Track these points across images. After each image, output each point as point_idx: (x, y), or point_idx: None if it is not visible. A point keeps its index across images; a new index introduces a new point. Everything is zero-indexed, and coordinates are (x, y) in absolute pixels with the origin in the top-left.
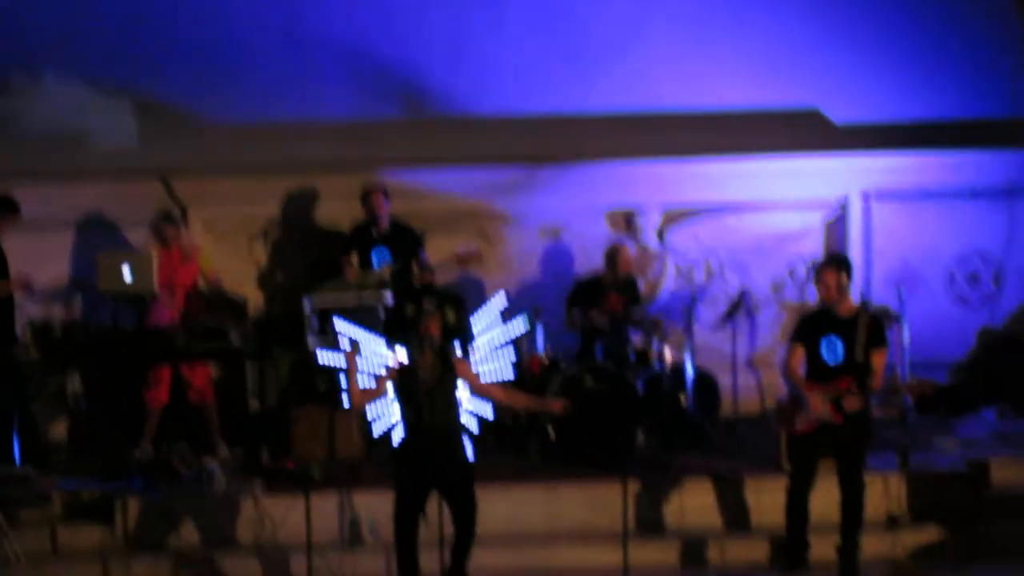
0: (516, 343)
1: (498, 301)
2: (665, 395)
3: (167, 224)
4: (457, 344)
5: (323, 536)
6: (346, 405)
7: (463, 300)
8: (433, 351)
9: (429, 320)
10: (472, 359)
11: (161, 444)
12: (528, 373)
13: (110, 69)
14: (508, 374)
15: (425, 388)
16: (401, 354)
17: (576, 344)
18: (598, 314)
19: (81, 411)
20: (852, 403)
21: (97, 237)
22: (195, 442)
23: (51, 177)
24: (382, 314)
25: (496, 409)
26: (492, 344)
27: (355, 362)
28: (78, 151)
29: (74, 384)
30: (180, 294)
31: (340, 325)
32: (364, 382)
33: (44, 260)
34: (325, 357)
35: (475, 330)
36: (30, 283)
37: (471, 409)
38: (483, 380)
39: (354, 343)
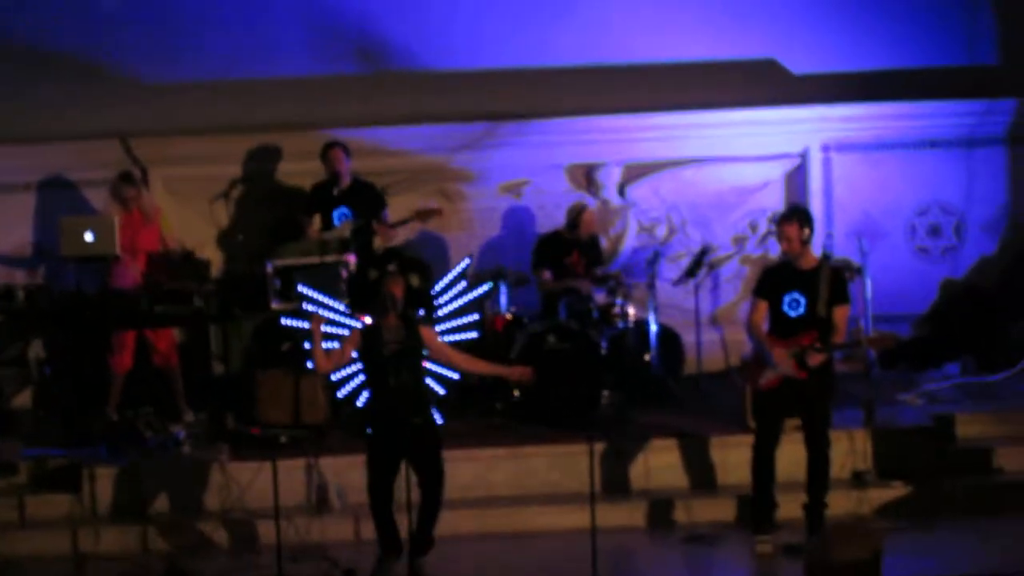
0: (480, 303)
1: (462, 264)
2: (629, 353)
3: (126, 185)
4: (421, 309)
5: (290, 501)
6: (311, 369)
7: (428, 266)
8: (397, 313)
9: (392, 282)
10: (435, 323)
11: (126, 410)
12: (491, 332)
13: (66, 29)
14: (472, 334)
15: (390, 350)
16: (364, 316)
17: (539, 302)
18: (572, 279)
19: (45, 377)
20: (815, 358)
21: (58, 200)
22: (161, 407)
23: (10, 140)
24: (344, 274)
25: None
26: (455, 306)
27: (320, 328)
28: (37, 113)
29: (37, 350)
30: (142, 257)
31: (304, 290)
32: (327, 346)
33: (5, 224)
34: (287, 320)
35: (439, 293)
36: None
37: (436, 371)
38: (446, 344)
39: (316, 304)
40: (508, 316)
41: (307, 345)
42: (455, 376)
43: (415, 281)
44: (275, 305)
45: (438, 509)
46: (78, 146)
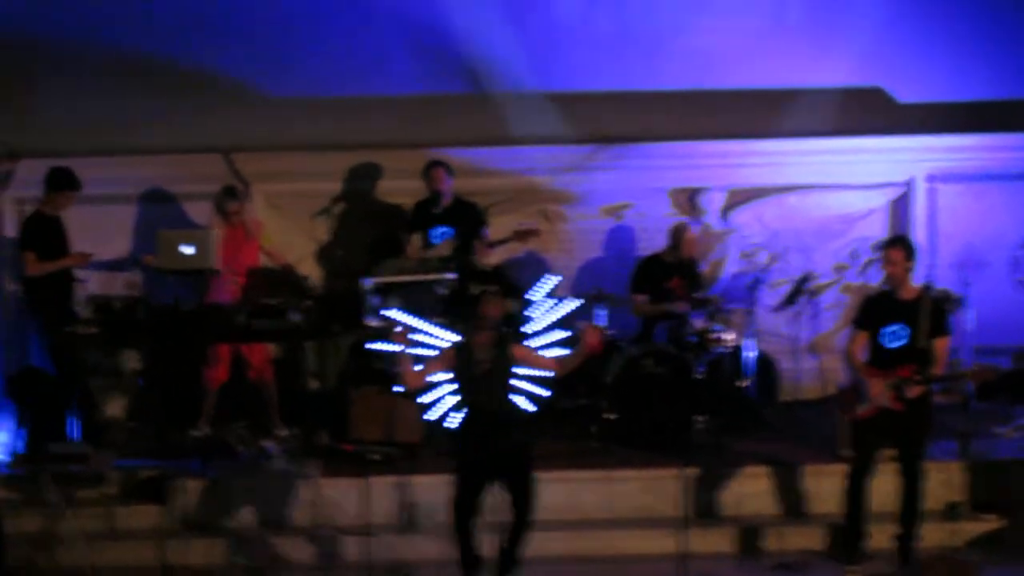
0: (570, 320)
1: (550, 281)
2: (725, 378)
3: (230, 200)
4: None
5: (380, 519)
6: (400, 388)
7: (523, 292)
8: (490, 333)
9: (492, 303)
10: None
11: (219, 424)
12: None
13: (177, 44)
14: (561, 351)
15: (481, 370)
16: (457, 335)
17: (637, 325)
18: (670, 303)
19: (140, 389)
20: (914, 390)
21: (159, 213)
22: (254, 422)
23: (115, 152)
24: (444, 292)
25: (556, 392)
26: (544, 324)
27: (406, 344)
28: (142, 127)
29: (133, 361)
30: (242, 272)
31: (391, 310)
32: (417, 364)
33: (107, 235)
34: (375, 344)
35: (532, 315)
36: (89, 258)
37: (528, 391)
38: (535, 353)
39: (404, 326)
40: (606, 337)
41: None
42: (546, 393)
43: (512, 306)
44: (371, 322)
45: (527, 530)
46: (181, 159)
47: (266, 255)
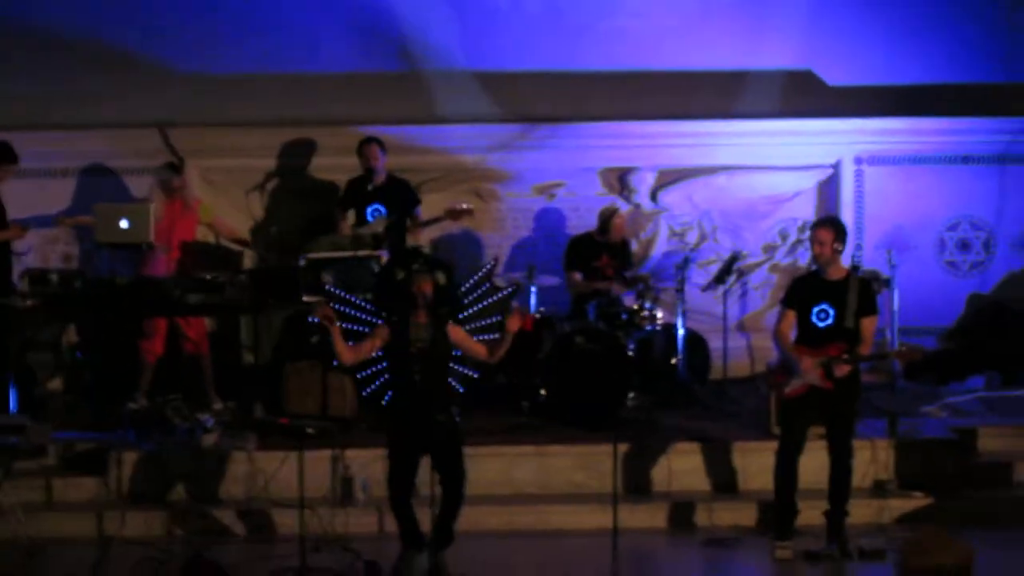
0: (504, 303)
1: (486, 265)
2: (656, 356)
3: (172, 174)
4: (447, 305)
5: (315, 492)
6: (335, 363)
7: (452, 266)
8: (425, 311)
9: (422, 280)
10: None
11: (156, 397)
12: (521, 331)
13: (108, 19)
14: (495, 335)
15: (416, 348)
16: (391, 313)
17: (569, 303)
18: (601, 281)
19: (76, 362)
20: (842, 369)
21: (96, 187)
22: (190, 395)
23: (51, 127)
24: (376, 269)
25: (489, 369)
26: (480, 306)
27: (330, 316)
28: (79, 102)
29: (70, 335)
30: (176, 245)
31: (324, 287)
32: (350, 340)
33: (45, 209)
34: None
35: (465, 293)
36: (26, 230)
37: (458, 370)
38: (471, 338)
39: (326, 297)
40: (537, 315)
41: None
42: (475, 375)
43: (441, 279)
44: (306, 298)
45: (459, 506)
46: (117, 134)
47: (213, 229)
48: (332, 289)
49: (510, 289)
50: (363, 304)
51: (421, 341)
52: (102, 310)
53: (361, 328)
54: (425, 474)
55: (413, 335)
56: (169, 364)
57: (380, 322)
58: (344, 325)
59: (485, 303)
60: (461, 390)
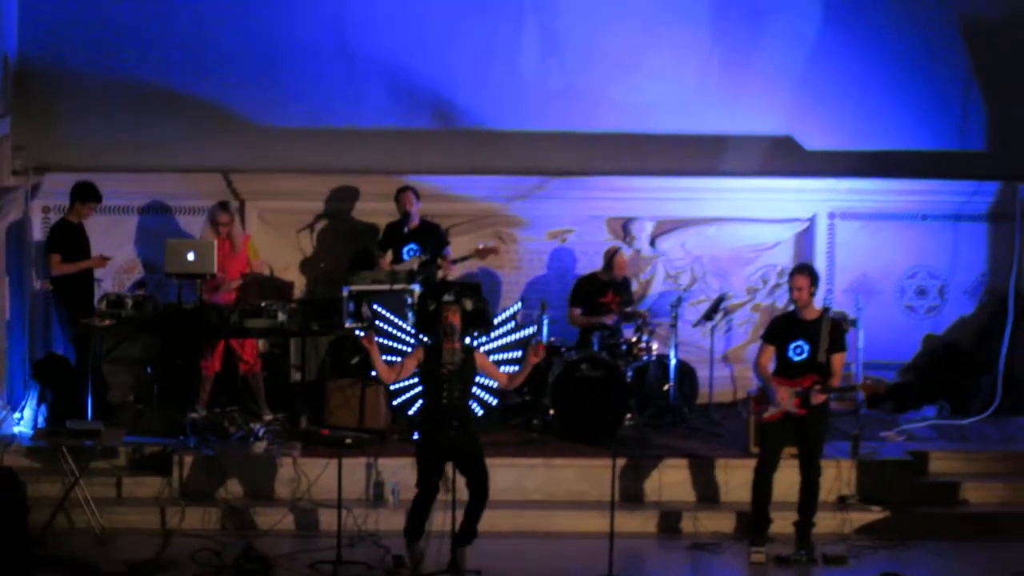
0: (525, 342)
1: (512, 308)
2: (650, 383)
3: (223, 212)
4: (476, 329)
5: (351, 495)
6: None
7: (479, 286)
8: (454, 339)
9: (451, 311)
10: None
11: (214, 408)
12: (532, 351)
13: (185, 78)
14: (514, 368)
15: (446, 370)
16: (426, 338)
17: (576, 334)
18: (605, 316)
19: (146, 375)
20: (817, 398)
21: (162, 224)
22: (244, 407)
23: (130, 170)
24: (410, 301)
25: (503, 392)
26: (504, 342)
27: (374, 343)
28: (154, 148)
29: (141, 352)
30: (233, 276)
31: (366, 310)
32: (392, 361)
33: (120, 243)
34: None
35: (493, 325)
36: (106, 260)
37: (479, 396)
38: (494, 365)
39: (371, 327)
40: (546, 345)
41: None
42: (494, 402)
43: (468, 305)
44: (348, 324)
45: (484, 503)
46: (186, 177)
47: (254, 265)
48: (380, 313)
49: (533, 329)
50: (404, 329)
51: (451, 364)
52: (169, 331)
53: (403, 348)
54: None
55: (444, 358)
56: (226, 380)
57: (416, 346)
58: (384, 341)
59: (510, 339)
60: (480, 413)
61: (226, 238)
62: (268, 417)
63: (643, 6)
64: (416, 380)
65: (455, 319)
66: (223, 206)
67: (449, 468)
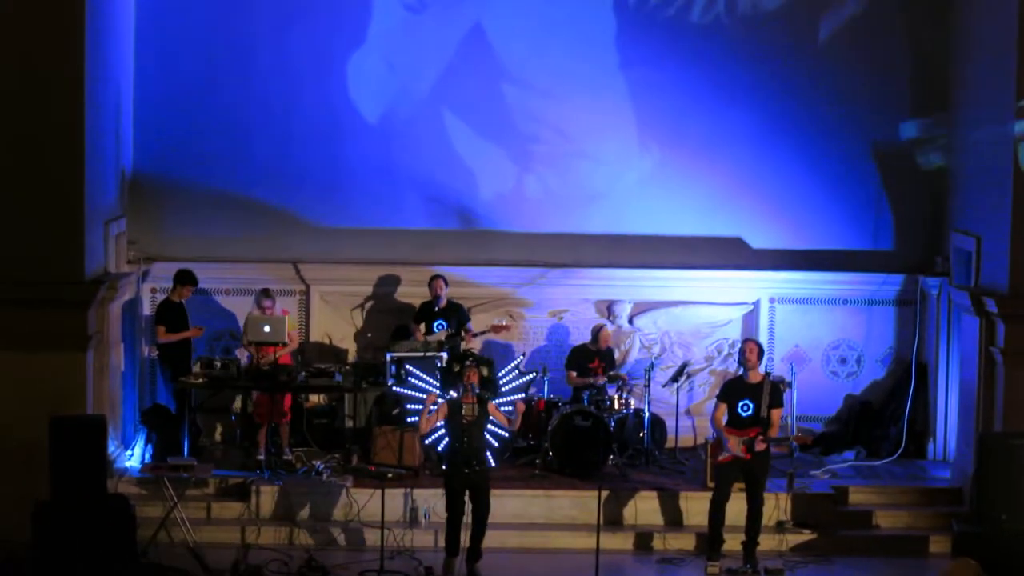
0: (526, 387)
1: (516, 360)
2: (629, 431)
3: (265, 298)
4: (487, 391)
5: (392, 518)
6: (413, 426)
7: (493, 362)
8: (472, 394)
9: (471, 372)
10: (497, 401)
11: (279, 447)
12: (536, 411)
13: (262, 186)
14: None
15: (466, 420)
16: (450, 394)
17: (569, 392)
18: (594, 377)
19: (231, 422)
20: (761, 446)
21: (248, 303)
22: (310, 448)
23: (219, 260)
24: (439, 365)
25: (513, 437)
26: (511, 387)
27: (432, 402)
28: (240, 243)
29: (227, 402)
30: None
31: (416, 376)
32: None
33: (214, 316)
34: (402, 390)
35: (501, 381)
36: (201, 330)
37: (495, 434)
38: (502, 412)
39: (431, 391)
40: (546, 400)
41: (414, 412)
42: (507, 435)
43: (484, 371)
44: (390, 382)
45: (484, 531)
46: (262, 266)
47: (291, 336)
48: (414, 375)
49: (532, 375)
50: (434, 387)
51: (470, 415)
52: (250, 387)
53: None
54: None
55: (464, 411)
56: (294, 426)
57: (443, 400)
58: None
59: (515, 383)
60: (496, 445)
61: (271, 313)
62: (288, 457)
63: (620, 137)
64: (442, 426)
65: (474, 378)
66: (266, 293)
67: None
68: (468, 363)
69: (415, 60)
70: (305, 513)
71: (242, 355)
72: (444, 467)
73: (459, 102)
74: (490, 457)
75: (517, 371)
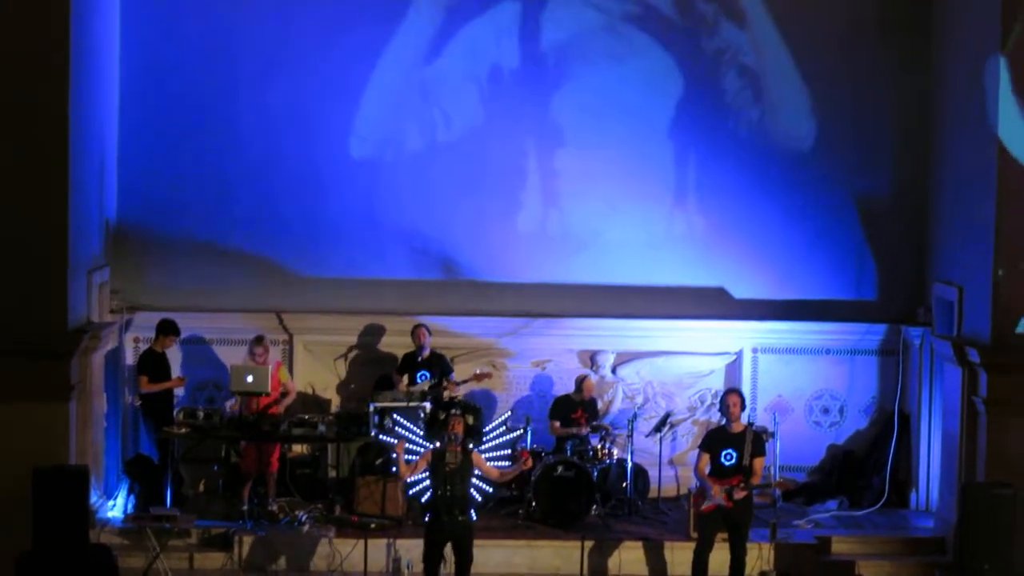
0: (513, 443)
1: (503, 416)
2: (612, 481)
3: (258, 346)
4: (472, 441)
5: (375, 568)
6: (396, 475)
7: (479, 409)
8: (456, 444)
9: (455, 422)
10: (482, 451)
11: (265, 498)
12: (520, 461)
13: (246, 237)
14: (505, 463)
15: (449, 470)
16: (434, 443)
17: (552, 442)
18: (577, 428)
19: (213, 472)
20: (740, 494)
21: (232, 352)
22: (292, 497)
23: (203, 310)
24: (422, 415)
25: (496, 486)
26: (497, 443)
27: (403, 449)
28: (222, 293)
29: (210, 452)
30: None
31: (396, 423)
32: (408, 462)
33: (196, 366)
34: (384, 438)
35: (487, 432)
36: (183, 381)
37: (479, 485)
38: (488, 464)
39: (401, 437)
40: (529, 451)
41: (395, 461)
42: (490, 491)
43: (470, 420)
44: (373, 433)
45: None
46: (247, 316)
47: (287, 386)
48: (399, 423)
49: (519, 432)
50: (417, 436)
51: (453, 464)
52: (233, 437)
53: (416, 450)
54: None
55: (448, 459)
56: (279, 476)
57: (426, 449)
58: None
59: (501, 440)
60: (479, 499)
61: (263, 362)
62: (273, 507)
63: (602, 189)
64: (426, 475)
65: (459, 428)
66: (259, 341)
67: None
68: (454, 412)
69: (398, 111)
70: (287, 564)
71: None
72: (426, 517)
73: (441, 153)
74: (472, 513)
75: (505, 427)
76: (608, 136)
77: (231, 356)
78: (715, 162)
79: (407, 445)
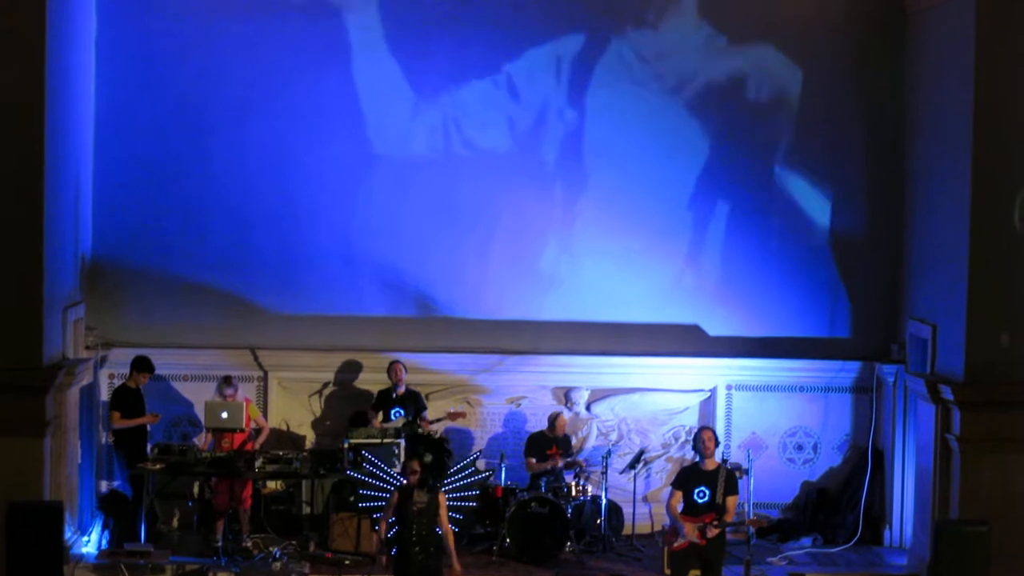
0: (483, 482)
1: (471, 456)
2: (586, 518)
3: (227, 386)
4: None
5: None
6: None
7: (444, 440)
8: (422, 483)
9: (411, 463)
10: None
11: (240, 535)
12: (493, 497)
13: (221, 274)
14: (472, 504)
15: (416, 508)
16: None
17: (526, 479)
18: (551, 464)
19: (187, 507)
20: (713, 532)
21: (206, 388)
22: (266, 534)
23: (178, 347)
24: (396, 451)
25: (470, 521)
26: (465, 483)
27: (392, 507)
28: (196, 330)
29: (184, 488)
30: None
31: (372, 464)
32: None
33: (171, 402)
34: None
35: (454, 473)
36: (158, 417)
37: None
38: (445, 510)
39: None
40: (503, 487)
41: (370, 499)
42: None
43: (428, 457)
44: (348, 471)
45: None
46: (221, 352)
47: (258, 421)
48: (372, 460)
49: (487, 473)
50: (390, 475)
51: (420, 503)
52: (207, 473)
53: (390, 488)
54: None
55: (415, 499)
56: (253, 512)
57: (394, 489)
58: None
59: (469, 480)
60: (456, 529)
61: (232, 400)
62: (247, 544)
63: (579, 226)
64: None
65: (415, 467)
66: (227, 380)
67: None
68: (408, 454)
69: (372, 148)
70: None
71: (202, 440)
72: (393, 552)
73: (417, 190)
74: (439, 551)
75: (472, 467)
76: (585, 173)
77: (206, 393)
78: (689, 199)
79: (379, 483)
